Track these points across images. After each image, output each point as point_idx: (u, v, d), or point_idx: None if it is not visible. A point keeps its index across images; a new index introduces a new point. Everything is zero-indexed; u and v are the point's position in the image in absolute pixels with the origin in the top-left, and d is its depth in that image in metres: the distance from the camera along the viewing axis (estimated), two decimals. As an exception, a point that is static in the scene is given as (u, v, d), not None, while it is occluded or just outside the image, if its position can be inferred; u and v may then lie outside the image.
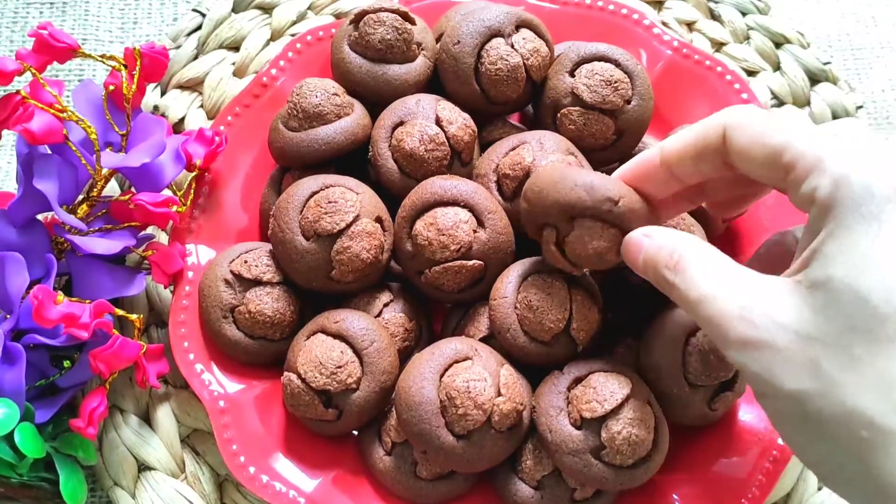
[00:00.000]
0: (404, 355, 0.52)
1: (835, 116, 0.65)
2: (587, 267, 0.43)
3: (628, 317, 0.53)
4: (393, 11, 0.55)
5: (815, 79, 0.66)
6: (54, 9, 0.69)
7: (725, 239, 0.57)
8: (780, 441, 0.50)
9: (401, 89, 0.55)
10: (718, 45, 0.68)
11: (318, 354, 0.48)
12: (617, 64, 0.55)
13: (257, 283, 0.52)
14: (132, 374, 0.54)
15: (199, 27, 0.67)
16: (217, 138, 0.56)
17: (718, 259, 0.33)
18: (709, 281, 0.32)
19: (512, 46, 0.54)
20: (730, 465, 0.50)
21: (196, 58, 0.66)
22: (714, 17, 0.69)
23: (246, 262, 0.52)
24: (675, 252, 0.34)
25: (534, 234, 0.44)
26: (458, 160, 0.54)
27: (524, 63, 0.54)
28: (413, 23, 0.57)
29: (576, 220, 0.39)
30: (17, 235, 0.52)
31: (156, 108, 0.64)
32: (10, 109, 0.49)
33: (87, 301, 0.50)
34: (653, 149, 0.38)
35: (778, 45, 0.68)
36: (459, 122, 0.53)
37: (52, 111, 0.50)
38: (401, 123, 0.53)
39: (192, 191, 0.56)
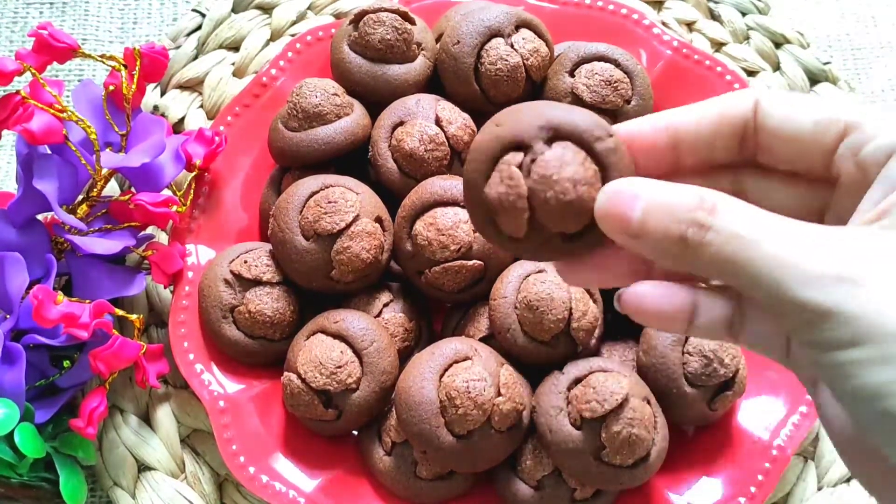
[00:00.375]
0: (404, 355, 0.52)
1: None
2: (546, 220, 0.28)
3: (628, 317, 0.53)
4: (393, 11, 0.55)
5: (814, 79, 0.66)
6: (54, 9, 0.69)
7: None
8: (779, 441, 0.50)
9: (400, 89, 0.55)
10: (718, 45, 0.68)
11: (318, 354, 0.48)
12: (617, 64, 0.55)
13: (257, 283, 0.52)
14: (132, 375, 0.54)
15: (199, 27, 0.67)
16: (217, 138, 0.56)
17: (759, 209, 0.26)
18: (765, 221, 0.25)
19: (512, 46, 0.54)
20: (729, 465, 0.50)
21: (196, 58, 0.66)
22: (714, 17, 0.69)
23: (246, 262, 0.52)
24: (705, 196, 0.26)
25: (486, 168, 0.29)
26: (458, 160, 0.54)
27: (524, 63, 0.54)
28: (413, 23, 0.57)
29: (555, 142, 0.29)
30: (16, 235, 0.52)
31: (156, 108, 0.63)
32: (10, 109, 0.49)
33: (87, 301, 0.50)
34: (656, 116, 0.31)
35: (778, 45, 0.68)
36: (459, 122, 0.53)
37: (52, 111, 0.50)
38: (400, 123, 0.53)
39: (191, 191, 0.56)
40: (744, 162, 0.31)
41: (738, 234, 0.25)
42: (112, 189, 0.61)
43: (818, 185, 0.30)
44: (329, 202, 0.50)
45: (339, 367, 0.48)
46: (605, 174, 0.28)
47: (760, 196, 0.30)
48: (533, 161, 0.28)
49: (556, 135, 0.28)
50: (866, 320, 0.23)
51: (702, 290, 0.28)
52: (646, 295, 0.28)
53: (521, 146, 0.28)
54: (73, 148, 0.52)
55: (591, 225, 0.28)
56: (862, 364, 0.23)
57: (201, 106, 0.64)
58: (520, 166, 0.28)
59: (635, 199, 0.27)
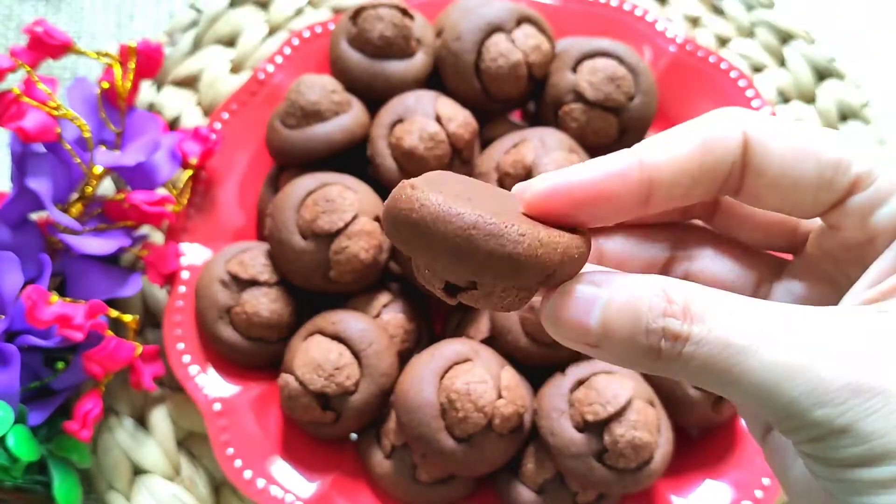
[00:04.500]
0: (404, 357, 0.51)
1: (841, 113, 0.64)
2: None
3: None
4: (392, 7, 0.55)
5: (821, 75, 0.66)
6: (48, 5, 0.68)
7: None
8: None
9: (400, 86, 0.55)
10: (723, 41, 0.67)
11: (316, 356, 0.47)
12: (620, 60, 0.54)
13: (254, 283, 0.51)
14: (127, 376, 0.53)
15: (195, 23, 0.66)
16: (213, 136, 0.55)
17: (739, 298, 0.22)
18: (754, 321, 0.21)
19: (513, 42, 0.54)
20: (735, 469, 0.50)
21: (192, 54, 0.65)
22: (718, 12, 0.68)
23: (242, 261, 0.52)
24: (672, 293, 0.21)
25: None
26: (459, 158, 0.53)
27: (525, 59, 0.53)
28: (412, 18, 0.56)
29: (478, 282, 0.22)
30: (10, 235, 0.51)
31: (151, 105, 0.63)
32: (3, 107, 0.49)
33: (82, 302, 0.49)
34: (623, 156, 0.24)
35: (783, 41, 0.67)
36: (460, 119, 0.52)
37: (46, 109, 0.50)
38: (400, 121, 0.52)
39: (187, 189, 0.56)
40: (712, 204, 0.27)
41: (728, 343, 0.21)
42: (107, 188, 0.60)
43: (794, 234, 0.26)
44: (327, 201, 0.49)
45: (338, 368, 0.47)
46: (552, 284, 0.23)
47: (728, 231, 0.26)
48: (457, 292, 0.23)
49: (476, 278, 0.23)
50: (886, 438, 0.20)
51: None
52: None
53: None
54: (67, 146, 0.51)
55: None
56: (877, 485, 0.20)
57: (198, 103, 0.63)
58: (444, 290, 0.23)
59: (592, 302, 0.22)
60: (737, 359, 0.21)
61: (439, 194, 0.21)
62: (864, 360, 0.20)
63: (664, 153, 0.24)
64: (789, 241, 0.27)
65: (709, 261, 0.27)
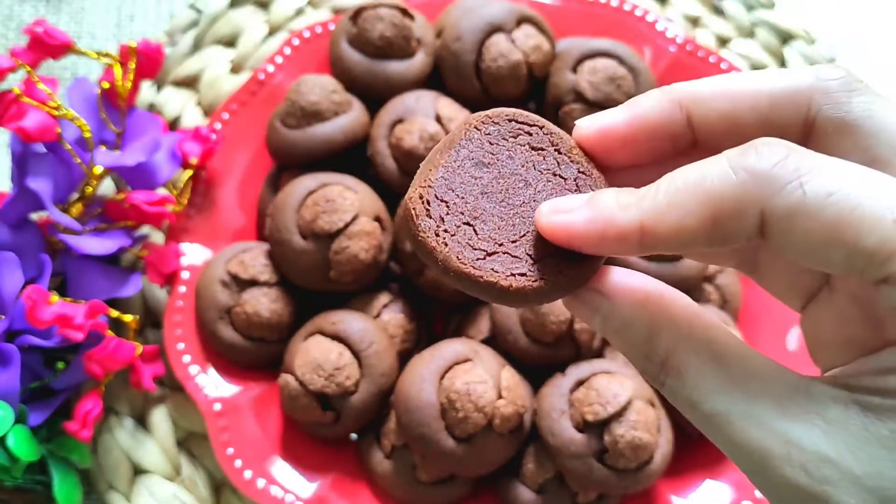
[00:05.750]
0: (404, 357, 0.51)
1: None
2: None
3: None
4: (392, 7, 0.55)
5: (821, 75, 0.65)
6: (49, 5, 0.68)
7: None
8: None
9: (400, 86, 0.55)
10: (723, 41, 0.67)
11: (316, 356, 0.47)
12: (620, 60, 0.54)
13: (254, 283, 0.51)
14: (127, 376, 0.53)
15: (195, 23, 0.66)
16: (213, 136, 0.55)
17: (734, 352, 0.21)
18: (725, 390, 0.21)
19: (513, 43, 0.54)
20: (735, 469, 0.49)
21: (192, 54, 0.65)
22: (718, 12, 0.68)
23: (242, 262, 0.51)
24: (656, 339, 0.22)
25: None
26: (459, 158, 0.53)
27: (525, 59, 0.53)
28: (412, 18, 0.56)
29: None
30: (10, 235, 0.51)
31: (151, 105, 0.63)
32: (4, 107, 0.49)
33: (82, 302, 0.49)
34: (663, 92, 0.23)
35: (783, 41, 0.67)
36: (460, 119, 0.52)
37: (46, 109, 0.50)
38: (400, 121, 0.52)
39: (187, 189, 0.56)
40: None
41: (698, 405, 0.21)
42: (107, 188, 0.60)
43: None
44: (327, 201, 0.49)
45: (338, 368, 0.47)
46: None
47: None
48: None
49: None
50: None
51: None
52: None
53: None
54: (68, 146, 0.51)
55: None
56: None
57: (198, 103, 0.63)
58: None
59: (592, 314, 0.23)
60: (706, 420, 0.21)
61: (433, 224, 0.23)
62: (813, 457, 0.20)
63: (700, 86, 0.23)
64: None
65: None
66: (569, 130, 0.56)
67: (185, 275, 0.54)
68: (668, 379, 0.21)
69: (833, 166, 0.19)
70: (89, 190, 0.53)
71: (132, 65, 0.54)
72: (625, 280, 0.23)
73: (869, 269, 0.19)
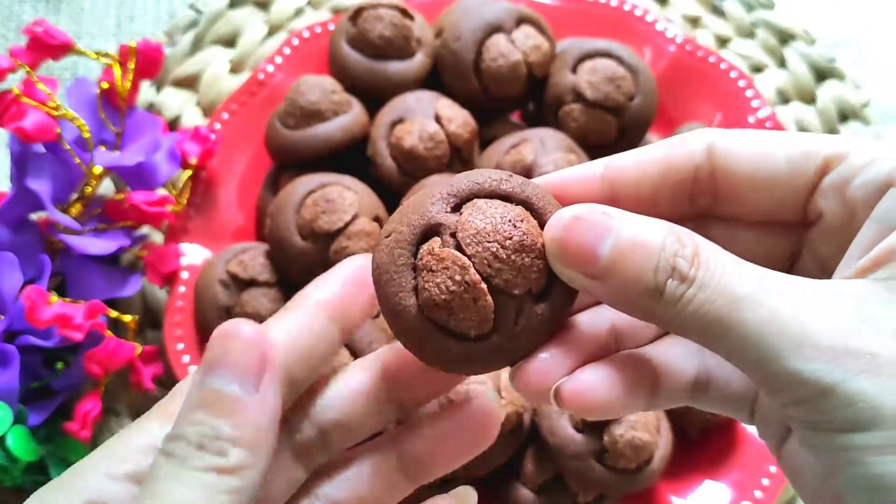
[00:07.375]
0: (403, 357, 0.51)
1: (841, 113, 0.64)
2: (505, 281, 0.23)
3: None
4: (392, 7, 0.55)
5: (821, 75, 0.65)
6: (49, 5, 0.68)
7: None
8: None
9: (400, 86, 0.55)
10: (723, 41, 0.67)
11: (316, 356, 0.47)
12: (620, 61, 0.54)
13: (253, 283, 0.51)
14: (127, 376, 0.53)
15: (195, 23, 0.66)
16: (213, 136, 0.55)
17: (745, 262, 0.22)
18: (755, 276, 0.21)
19: (513, 43, 0.54)
20: (734, 469, 0.49)
21: (192, 54, 0.65)
22: (718, 12, 0.68)
23: (242, 262, 0.51)
24: (684, 238, 0.22)
25: (403, 279, 0.24)
26: (458, 158, 0.53)
27: (525, 59, 0.53)
28: (412, 18, 0.56)
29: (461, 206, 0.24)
30: (9, 235, 0.51)
31: (151, 105, 0.63)
32: (3, 107, 0.49)
33: (81, 302, 0.49)
34: (590, 164, 0.26)
35: (783, 41, 0.67)
36: (459, 119, 0.52)
37: (46, 109, 0.50)
38: (400, 121, 0.52)
39: (187, 190, 0.56)
40: (695, 215, 0.26)
41: (726, 292, 0.21)
42: (107, 188, 0.60)
43: (791, 227, 0.26)
44: (327, 201, 0.49)
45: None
46: (532, 211, 0.24)
47: (724, 244, 0.23)
48: (452, 234, 0.23)
49: (458, 202, 0.24)
50: (874, 401, 0.19)
51: (660, 357, 0.25)
52: (592, 387, 0.23)
53: (430, 231, 0.24)
54: (67, 146, 0.51)
55: (553, 278, 0.24)
56: (869, 451, 0.19)
57: (197, 103, 0.63)
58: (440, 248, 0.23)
59: (606, 230, 0.22)
60: (732, 306, 0.21)
61: (384, 257, 0.24)
62: (854, 323, 0.20)
63: (627, 159, 0.25)
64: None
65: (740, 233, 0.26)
66: (568, 130, 0.55)
67: (184, 275, 0.53)
68: (699, 271, 0.21)
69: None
70: (89, 190, 0.53)
71: (132, 65, 0.54)
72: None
73: (807, 163, 0.24)
